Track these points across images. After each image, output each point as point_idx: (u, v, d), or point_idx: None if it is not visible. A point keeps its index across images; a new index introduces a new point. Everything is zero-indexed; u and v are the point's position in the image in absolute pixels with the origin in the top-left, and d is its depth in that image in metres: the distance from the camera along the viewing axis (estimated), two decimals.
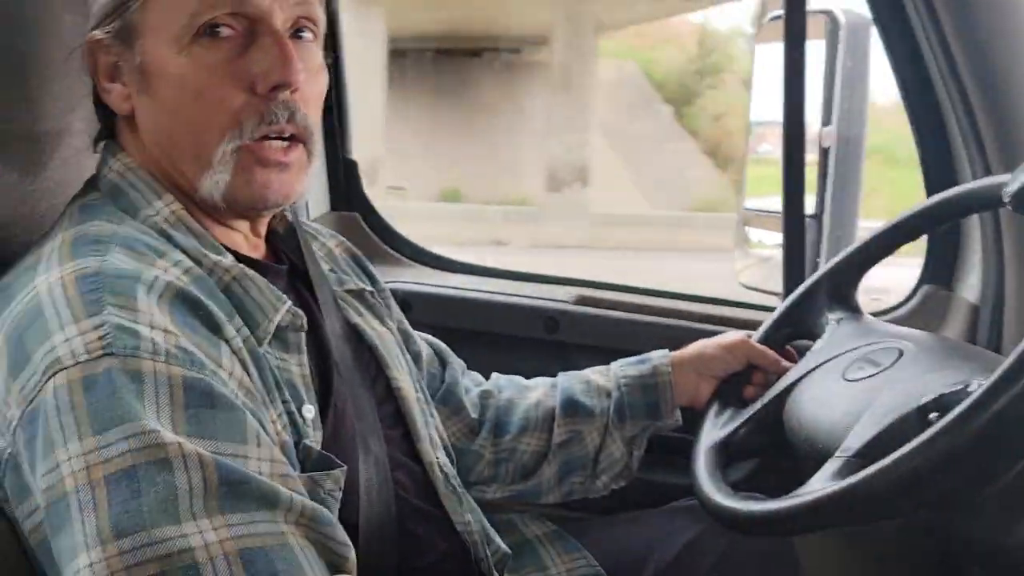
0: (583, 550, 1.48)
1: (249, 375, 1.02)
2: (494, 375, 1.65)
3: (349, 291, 1.35)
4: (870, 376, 1.26)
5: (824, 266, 1.53)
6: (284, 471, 0.95)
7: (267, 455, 0.93)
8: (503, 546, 1.39)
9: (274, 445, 0.97)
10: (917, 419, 1.10)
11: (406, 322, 1.50)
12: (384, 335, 1.35)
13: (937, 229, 1.43)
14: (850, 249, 1.51)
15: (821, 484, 1.11)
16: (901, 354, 1.27)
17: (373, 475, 1.16)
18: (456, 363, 1.59)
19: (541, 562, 1.46)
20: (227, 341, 1.00)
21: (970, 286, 1.82)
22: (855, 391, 1.25)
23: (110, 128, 1.18)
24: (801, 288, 1.54)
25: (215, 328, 1.00)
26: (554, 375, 1.62)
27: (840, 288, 1.50)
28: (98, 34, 1.10)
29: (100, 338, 0.91)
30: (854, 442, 1.14)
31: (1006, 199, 1.10)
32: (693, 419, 1.51)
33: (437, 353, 1.58)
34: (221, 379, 0.95)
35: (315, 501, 1.01)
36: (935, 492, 1.06)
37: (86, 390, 0.88)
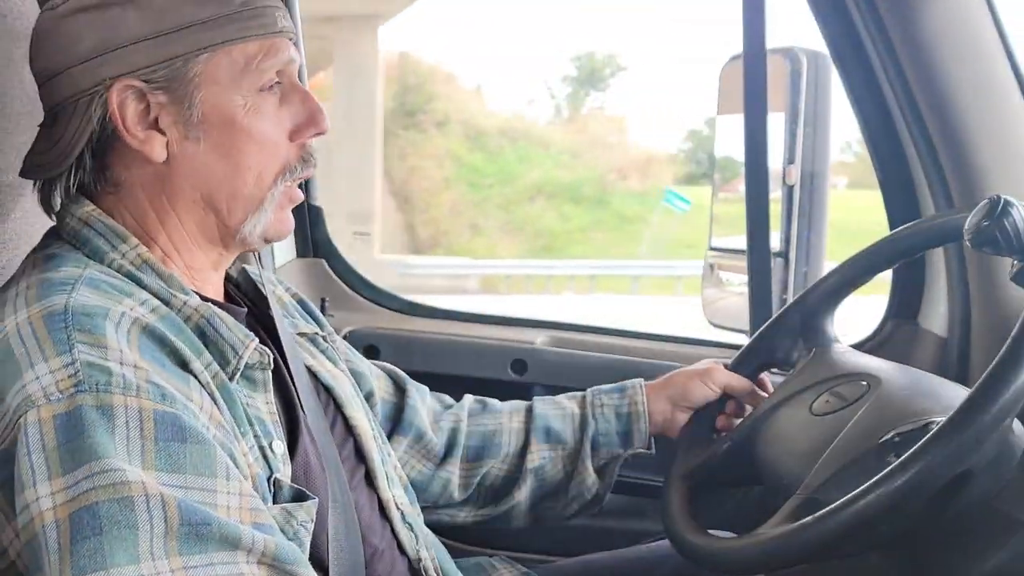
0: None
1: (219, 409, 1.02)
2: (466, 396, 1.62)
3: (302, 334, 1.36)
4: (836, 411, 1.27)
5: (795, 296, 1.53)
6: (253, 504, 0.95)
7: (236, 488, 0.93)
8: None
9: (244, 479, 0.97)
10: (876, 458, 1.11)
11: (355, 361, 1.49)
12: (338, 376, 1.35)
13: (908, 258, 1.43)
14: (821, 279, 1.51)
15: (778, 523, 1.12)
16: (868, 388, 1.27)
17: (340, 512, 1.16)
18: (415, 389, 1.57)
19: None
20: (195, 376, 1.01)
21: (936, 319, 1.83)
22: (821, 426, 1.26)
23: (81, 183, 1.13)
24: (772, 318, 1.54)
25: (183, 363, 1.00)
26: None
27: (813, 318, 1.50)
28: (134, 82, 1.08)
29: (71, 376, 0.91)
30: (814, 480, 1.15)
31: (965, 235, 1.10)
32: (663, 461, 1.50)
33: (395, 381, 1.57)
34: (192, 412, 0.94)
35: (288, 534, 1.02)
36: (888, 532, 1.07)
37: (57, 429, 0.88)
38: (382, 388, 1.53)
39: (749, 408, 1.52)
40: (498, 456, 1.54)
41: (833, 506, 1.03)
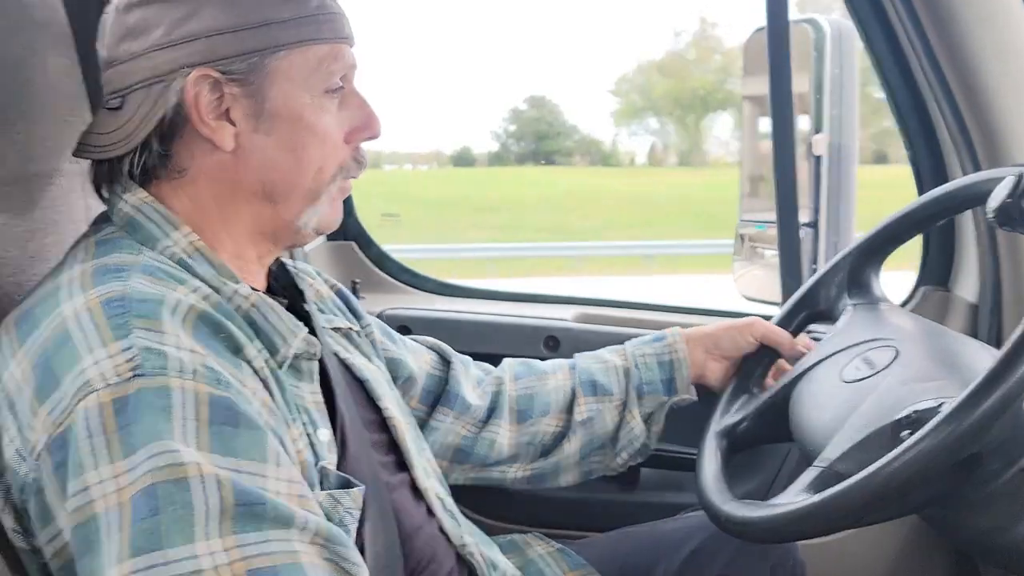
0: (588, 565, 1.48)
1: (272, 395, 1.05)
2: (506, 360, 1.66)
3: (336, 329, 1.38)
4: (863, 379, 1.27)
5: (844, 250, 1.53)
6: (301, 491, 0.97)
7: (285, 475, 0.95)
8: (509, 566, 1.39)
9: (293, 465, 0.99)
10: (891, 434, 1.12)
11: (392, 348, 1.52)
12: (373, 371, 1.38)
13: (949, 218, 1.42)
14: (868, 234, 1.51)
15: (795, 495, 1.13)
16: (896, 355, 1.28)
17: (373, 499, 1.17)
18: (459, 362, 1.60)
19: None
20: (249, 362, 1.03)
21: (968, 285, 1.82)
22: (846, 394, 1.27)
23: (145, 166, 1.15)
24: (820, 271, 1.55)
25: (236, 349, 1.02)
26: None
27: (858, 272, 1.50)
28: (211, 72, 1.10)
29: (128, 360, 0.93)
30: (832, 452, 1.16)
31: (989, 214, 1.10)
32: (697, 433, 1.51)
33: (440, 355, 1.60)
34: (245, 398, 0.97)
35: (334, 519, 1.05)
36: (914, 502, 1.08)
37: (117, 413, 0.90)
38: (427, 363, 1.56)
39: (788, 365, 1.54)
40: (547, 413, 1.57)
41: (848, 482, 1.05)
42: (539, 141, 36.25)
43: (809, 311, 1.56)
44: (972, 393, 0.99)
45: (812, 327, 1.61)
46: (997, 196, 1.08)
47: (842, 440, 1.16)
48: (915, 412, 1.11)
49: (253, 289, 1.13)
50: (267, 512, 0.90)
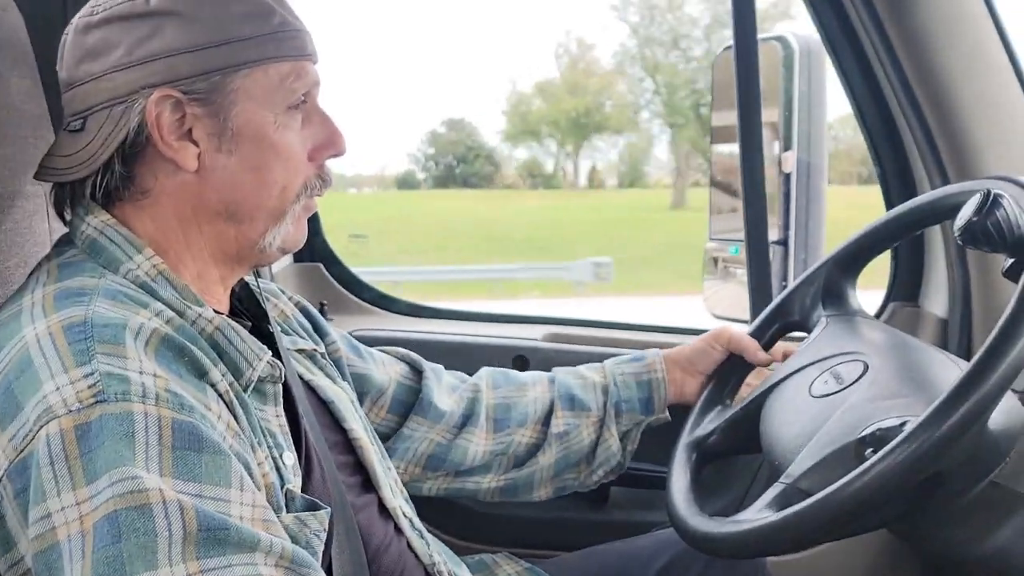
0: None
1: (236, 418, 1.03)
2: (484, 369, 1.67)
3: (300, 350, 1.37)
4: (830, 394, 1.27)
5: (818, 262, 1.54)
6: (266, 515, 0.95)
7: (249, 500, 0.94)
8: None
9: (258, 490, 0.98)
10: (855, 452, 1.11)
11: (359, 364, 1.51)
12: (338, 392, 1.37)
13: (920, 231, 1.43)
14: (843, 244, 1.51)
15: (758, 511, 1.13)
16: (865, 370, 1.27)
17: (340, 520, 1.17)
18: (431, 371, 1.59)
19: None
20: (213, 385, 1.02)
21: (937, 301, 1.82)
22: (814, 410, 1.26)
23: (107, 188, 1.13)
24: (795, 282, 1.56)
25: (201, 373, 1.02)
26: None
27: (833, 283, 1.51)
28: (173, 92, 1.09)
29: (91, 386, 0.92)
30: (796, 469, 1.16)
31: (955, 232, 1.10)
32: (667, 452, 1.50)
33: (410, 365, 1.60)
34: (209, 422, 0.96)
35: (300, 542, 1.04)
36: (879, 520, 1.07)
37: (79, 439, 0.89)
38: (397, 372, 1.56)
39: (764, 372, 1.55)
40: (524, 424, 1.57)
41: (809, 501, 1.05)
42: (460, 163, 36.34)
43: (783, 321, 1.57)
44: (934, 412, 0.99)
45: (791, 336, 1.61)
46: (963, 215, 1.07)
47: (807, 457, 1.16)
48: (879, 430, 1.11)
49: (217, 312, 1.11)
50: (230, 537, 0.89)
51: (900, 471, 0.99)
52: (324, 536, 1.09)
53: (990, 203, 1.04)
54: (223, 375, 1.05)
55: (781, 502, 1.11)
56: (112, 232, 1.10)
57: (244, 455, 1.00)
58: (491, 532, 1.87)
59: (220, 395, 1.02)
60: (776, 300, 1.58)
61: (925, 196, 1.40)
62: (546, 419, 1.57)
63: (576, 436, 1.56)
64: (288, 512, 1.06)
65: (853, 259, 1.49)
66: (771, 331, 1.57)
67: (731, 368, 1.58)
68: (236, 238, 1.16)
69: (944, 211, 1.34)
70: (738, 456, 1.57)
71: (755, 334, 1.58)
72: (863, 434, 1.12)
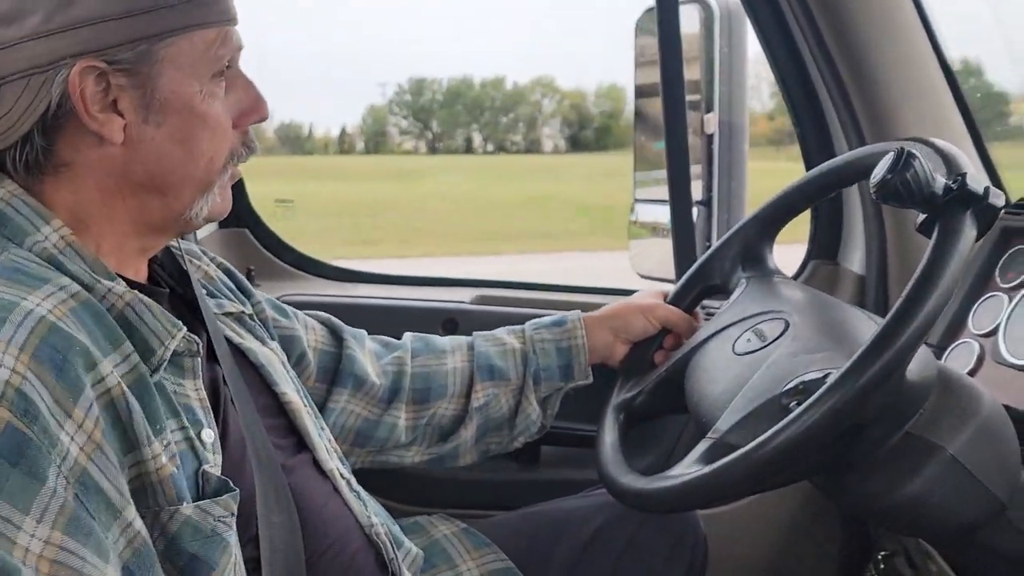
0: (492, 544, 1.48)
1: (120, 417, 0.98)
2: (407, 334, 1.65)
3: (228, 314, 1.34)
4: (754, 351, 1.31)
5: (737, 224, 1.57)
6: (57, 556, 0.88)
7: (44, 534, 0.87)
8: (413, 547, 1.38)
9: (60, 528, 0.89)
10: (780, 404, 1.15)
11: (285, 324, 1.49)
12: (268, 354, 1.35)
13: (838, 191, 1.46)
14: (760, 207, 1.54)
15: (688, 466, 1.16)
16: (786, 327, 1.31)
17: (269, 486, 1.16)
18: (353, 337, 1.57)
19: (451, 560, 1.46)
20: (100, 381, 0.96)
21: (855, 258, 1.87)
22: (738, 367, 1.30)
23: (27, 161, 1.07)
24: (714, 246, 1.58)
25: (87, 367, 0.96)
26: None
27: (752, 245, 1.53)
28: (96, 62, 1.03)
29: None
30: (723, 424, 1.19)
31: (871, 189, 1.13)
32: (600, 411, 1.52)
33: (331, 330, 1.57)
34: (49, 440, 0.90)
35: (204, 531, 1.02)
36: (800, 471, 1.11)
37: None
38: (318, 339, 1.53)
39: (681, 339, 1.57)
40: (444, 396, 1.57)
41: (737, 453, 1.08)
42: None
43: (704, 285, 1.59)
44: (855, 363, 1.02)
45: (706, 302, 1.64)
46: (878, 173, 1.10)
47: (733, 412, 1.19)
48: (802, 383, 1.14)
49: (130, 286, 1.08)
50: None
51: (823, 421, 1.02)
52: (232, 520, 1.06)
53: (903, 161, 1.07)
54: (124, 358, 1.01)
55: (710, 456, 1.14)
56: (19, 203, 1.06)
57: (90, 478, 0.93)
58: (426, 494, 1.88)
59: (108, 391, 0.97)
60: (696, 265, 1.60)
61: (840, 158, 1.43)
62: (466, 392, 1.57)
63: (496, 405, 1.57)
64: (202, 497, 1.04)
65: (771, 221, 1.53)
66: (692, 295, 1.60)
67: (654, 336, 1.60)
68: (161, 209, 1.13)
69: (859, 172, 1.37)
70: (664, 416, 1.60)
71: (675, 299, 1.60)
72: (787, 387, 1.15)
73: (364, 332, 1.61)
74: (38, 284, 0.98)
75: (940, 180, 1.08)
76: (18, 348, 0.91)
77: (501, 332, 1.63)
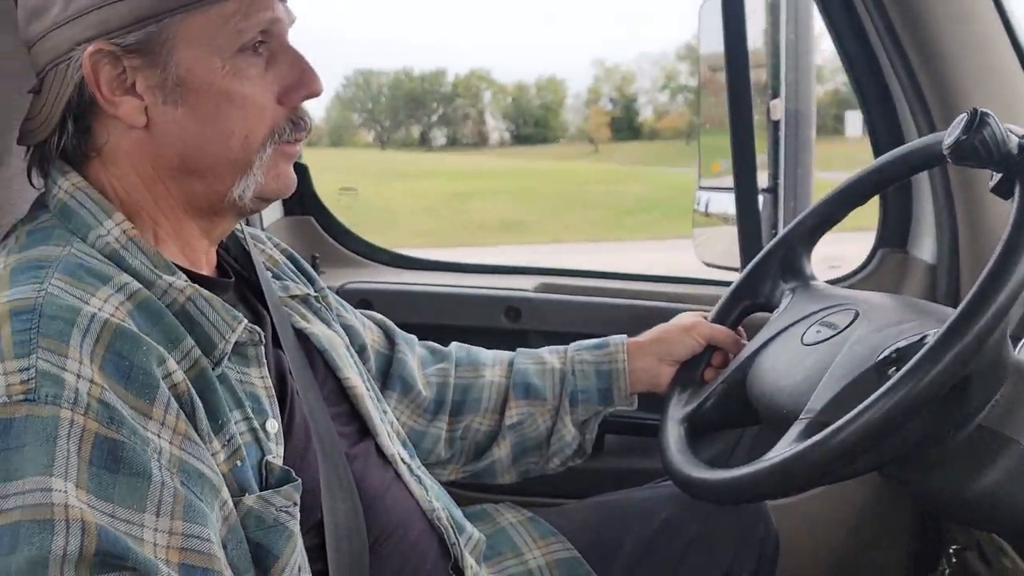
0: (558, 534, 1.47)
1: (191, 411, 0.98)
2: (454, 344, 1.63)
3: (294, 296, 1.35)
4: (828, 339, 1.28)
5: (774, 239, 1.53)
6: (184, 544, 0.91)
7: (165, 526, 0.90)
8: (476, 531, 1.38)
9: (179, 516, 0.92)
10: (876, 374, 1.12)
11: (347, 316, 1.49)
12: (332, 338, 1.35)
13: (885, 190, 1.43)
14: (799, 218, 1.51)
15: (786, 447, 1.12)
16: (857, 315, 1.29)
17: (332, 474, 1.17)
18: (404, 342, 1.56)
19: (517, 548, 1.46)
20: (168, 376, 0.97)
21: (925, 246, 1.84)
22: (815, 354, 1.27)
23: (62, 149, 1.11)
24: (753, 262, 1.55)
25: (156, 363, 0.96)
26: None
27: (791, 258, 1.50)
28: (106, 46, 1.04)
29: (24, 382, 0.88)
30: (816, 403, 1.15)
31: (945, 151, 1.10)
32: (657, 400, 1.51)
33: (385, 332, 1.56)
34: (140, 438, 0.91)
35: (267, 522, 1.02)
36: (895, 446, 1.08)
37: (0, 433, 0.86)
38: (374, 340, 1.53)
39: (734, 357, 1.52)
40: (478, 411, 1.55)
41: (839, 422, 1.03)
42: None
43: (747, 302, 1.55)
44: (956, 321, 0.99)
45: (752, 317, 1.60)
46: (951, 133, 1.08)
47: (824, 392, 1.16)
48: (895, 352, 1.11)
49: (191, 280, 1.08)
50: (126, 564, 0.86)
51: (938, 376, 0.99)
52: (295, 509, 1.07)
53: (978, 121, 1.05)
54: (186, 354, 1.01)
55: (807, 435, 1.10)
56: (82, 196, 1.08)
57: (189, 463, 0.95)
58: (492, 482, 1.90)
59: (174, 386, 0.97)
60: (735, 282, 1.56)
61: (876, 163, 1.39)
62: (500, 408, 1.55)
63: (531, 424, 1.55)
64: (266, 487, 1.04)
65: (811, 232, 1.49)
66: (735, 313, 1.56)
67: (701, 354, 1.56)
68: (205, 192, 1.12)
69: (927, 159, 1.34)
70: (727, 430, 1.56)
71: (718, 318, 1.56)
72: (881, 357, 1.12)
73: (415, 338, 1.60)
74: (100, 284, 0.99)
75: (1015, 139, 1.06)
76: (89, 358, 0.92)
77: (544, 351, 1.61)
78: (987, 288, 0.99)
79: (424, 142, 39.92)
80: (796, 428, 1.14)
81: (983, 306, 0.99)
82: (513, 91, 42.13)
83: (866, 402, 1.02)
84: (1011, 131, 1.08)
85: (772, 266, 1.51)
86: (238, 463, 1.02)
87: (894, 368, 1.08)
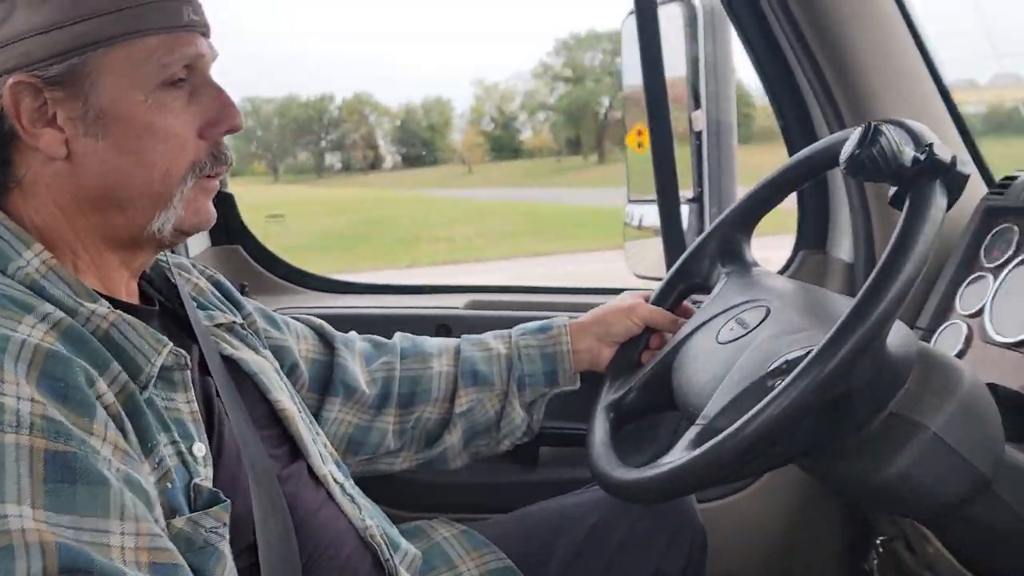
0: (491, 545, 1.48)
1: (124, 431, 1.00)
2: (398, 335, 1.66)
3: (219, 325, 1.35)
4: (738, 339, 1.31)
5: (711, 224, 1.56)
6: (151, 543, 0.92)
7: (131, 528, 0.91)
8: (411, 548, 1.38)
9: (147, 509, 0.94)
10: (763, 386, 1.15)
11: (276, 335, 1.50)
12: (261, 363, 1.35)
13: (812, 180, 1.46)
14: (733, 206, 1.54)
15: (679, 453, 1.15)
16: (768, 314, 1.31)
17: (264, 495, 1.16)
18: (344, 342, 1.58)
19: (451, 562, 1.46)
20: (100, 397, 0.97)
21: (843, 246, 1.88)
22: (723, 354, 1.30)
23: None
24: (692, 246, 1.58)
25: (87, 385, 0.97)
26: None
27: (728, 241, 1.54)
28: (27, 78, 1.04)
29: None
30: (711, 409, 1.19)
31: (840, 166, 1.13)
32: (591, 410, 1.52)
33: (321, 337, 1.57)
34: (90, 447, 0.92)
35: (197, 543, 1.02)
36: (787, 452, 1.11)
37: None
38: (309, 348, 1.54)
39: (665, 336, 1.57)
40: (428, 401, 1.58)
41: (723, 435, 1.07)
42: None
43: (685, 284, 1.59)
44: (833, 336, 1.02)
45: (696, 297, 1.64)
46: (847, 148, 1.11)
47: (720, 397, 1.19)
48: (785, 363, 1.14)
49: (113, 306, 1.08)
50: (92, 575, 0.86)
51: (804, 396, 1.02)
52: (225, 531, 1.07)
53: (871, 135, 1.08)
54: (113, 379, 1.01)
55: (698, 441, 1.14)
56: (0, 228, 1.07)
57: (132, 475, 0.96)
58: (427, 499, 1.89)
59: (106, 407, 0.98)
60: (676, 265, 1.59)
61: (807, 148, 1.42)
62: (451, 396, 1.58)
63: (481, 410, 1.58)
64: (193, 510, 1.04)
65: (746, 217, 1.52)
66: (674, 295, 1.59)
67: (639, 336, 1.60)
68: (125, 224, 1.12)
69: (831, 159, 1.37)
70: (657, 415, 1.59)
71: (658, 300, 1.59)
72: (771, 368, 1.16)
73: (354, 334, 1.62)
74: (24, 313, 0.98)
75: (908, 152, 1.08)
76: (25, 380, 0.91)
77: (488, 337, 1.64)
78: (864, 304, 1.02)
79: (318, 169, 39.95)
80: (690, 434, 1.18)
81: (858, 322, 1.01)
82: (400, 114, 42.31)
83: (747, 415, 1.05)
84: (909, 144, 1.10)
85: (710, 248, 1.55)
86: (168, 485, 1.02)
87: (779, 380, 1.10)
